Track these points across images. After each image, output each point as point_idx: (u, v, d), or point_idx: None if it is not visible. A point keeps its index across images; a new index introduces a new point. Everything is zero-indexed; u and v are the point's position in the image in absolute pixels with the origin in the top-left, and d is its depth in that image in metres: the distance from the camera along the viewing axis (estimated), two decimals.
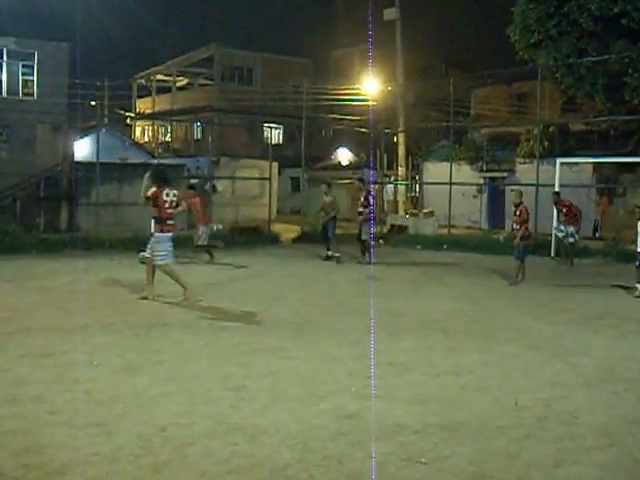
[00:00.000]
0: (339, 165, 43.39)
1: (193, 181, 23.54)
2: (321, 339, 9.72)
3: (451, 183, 25.42)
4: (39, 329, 9.96)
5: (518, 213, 15.46)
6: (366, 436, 6.05)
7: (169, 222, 12.39)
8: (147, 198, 12.34)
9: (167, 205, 12.26)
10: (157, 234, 12.37)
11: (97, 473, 5.26)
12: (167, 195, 12.27)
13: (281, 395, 7.15)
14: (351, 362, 8.46)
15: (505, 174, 31.20)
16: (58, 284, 14.03)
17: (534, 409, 6.89)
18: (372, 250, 18.48)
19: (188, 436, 5.99)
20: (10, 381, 7.47)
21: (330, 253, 19.01)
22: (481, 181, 31.63)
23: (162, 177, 12.61)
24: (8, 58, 28.70)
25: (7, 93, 28.67)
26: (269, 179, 26.17)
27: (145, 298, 12.50)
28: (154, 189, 12.26)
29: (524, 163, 29.69)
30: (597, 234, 25.43)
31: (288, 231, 25.60)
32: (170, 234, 12.45)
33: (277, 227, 26.24)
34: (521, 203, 15.55)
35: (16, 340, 9.28)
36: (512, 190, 17.13)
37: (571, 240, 19.13)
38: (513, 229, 15.93)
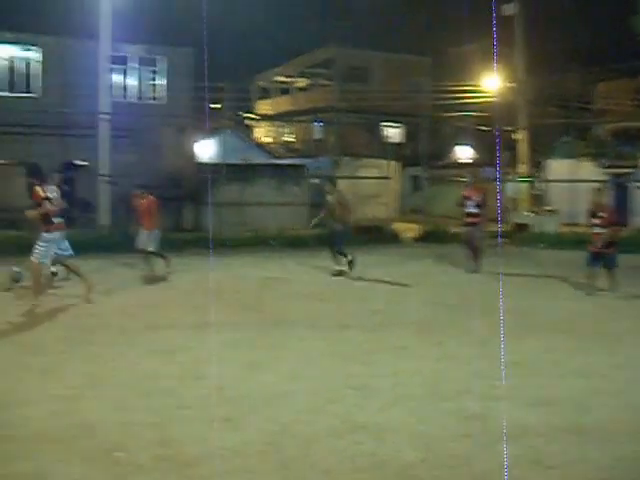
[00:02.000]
0: (459, 163, 42.91)
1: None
2: (444, 338, 9.65)
3: (575, 180, 24.82)
4: (167, 325, 10.27)
5: (604, 215, 13.68)
6: (491, 437, 5.98)
7: (56, 220, 11.82)
8: (44, 199, 11.65)
9: (53, 202, 11.84)
10: (45, 234, 11.64)
11: (226, 467, 5.39)
12: (51, 192, 11.85)
13: (405, 394, 7.14)
14: (475, 362, 8.37)
15: (631, 170, 30.15)
16: (183, 282, 14.42)
17: None
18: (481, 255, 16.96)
19: (313, 433, 6.07)
20: (142, 375, 7.74)
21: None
22: (605, 178, 30.71)
23: (37, 174, 12.05)
24: (139, 64, 29.86)
25: (136, 98, 29.87)
26: (389, 178, 26.15)
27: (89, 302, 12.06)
28: (39, 188, 11.70)
29: None
30: None
31: (409, 230, 25.49)
32: (58, 232, 11.83)
33: (398, 226, 26.19)
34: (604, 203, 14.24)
35: (146, 336, 9.60)
36: (595, 188, 14.97)
37: None
38: (596, 234, 13.77)
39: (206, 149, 32.63)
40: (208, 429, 6.14)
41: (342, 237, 15.92)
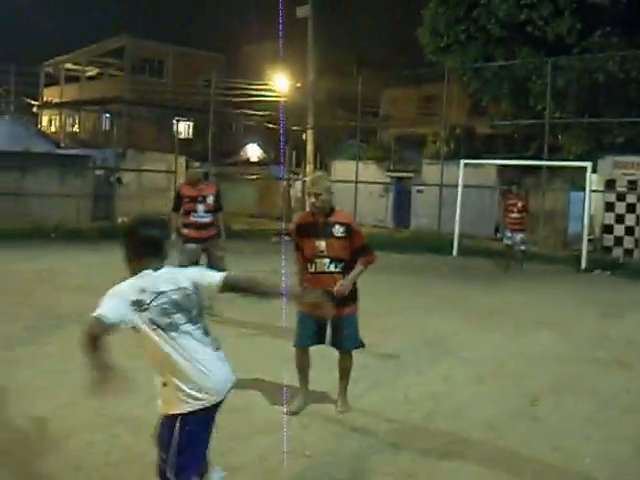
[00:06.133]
0: (248, 161, 43.31)
1: None
2: None
3: (357, 182, 25.70)
4: None
5: None
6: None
7: None
8: None
9: None
10: None
11: None
12: None
13: None
14: None
15: (412, 174, 31.48)
16: None
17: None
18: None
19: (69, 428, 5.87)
20: None
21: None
22: (388, 180, 31.92)
23: None
24: None
25: None
26: (175, 172, 25.93)
27: None
28: None
29: (430, 164, 29.94)
30: (498, 235, 25.92)
31: None
32: None
33: None
34: None
35: None
36: None
37: (523, 248, 17.64)
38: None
39: None
40: None
41: None
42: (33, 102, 45.29)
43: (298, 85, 31.63)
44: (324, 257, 6.36)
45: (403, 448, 5.82)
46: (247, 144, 46.14)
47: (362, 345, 6.70)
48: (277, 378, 7.33)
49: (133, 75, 46.07)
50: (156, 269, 3.88)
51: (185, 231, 10.69)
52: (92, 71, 52.13)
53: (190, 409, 3.77)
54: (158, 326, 3.72)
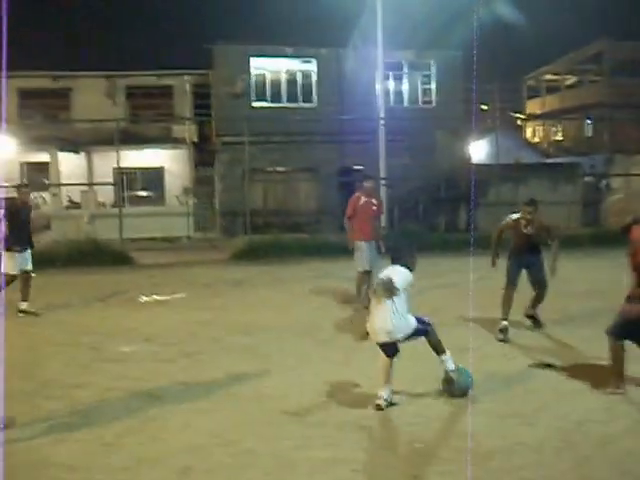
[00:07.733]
0: None
1: None
2: None
3: None
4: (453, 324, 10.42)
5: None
6: None
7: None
8: None
9: None
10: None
11: (522, 461, 5.55)
12: None
13: None
14: None
15: None
16: (463, 281, 14.42)
17: None
18: None
19: (608, 434, 6.09)
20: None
21: None
22: None
23: None
24: (409, 69, 30.68)
25: (409, 102, 30.69)
26: None
27: None
28: None
29: None
30: None
31: None
32: None
33: None
34: None
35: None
36: None
37: None
38: None
39: (479, 150, 32.80)
40: (501, 424, 6.34)
41: None
42: (518, 115, 46.77)
43: None
44: None
45: None
46: None
47: None
48: None
49: (613, 78, 45.15)
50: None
51: None
52: (571, 79, 52.16)
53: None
54: None
